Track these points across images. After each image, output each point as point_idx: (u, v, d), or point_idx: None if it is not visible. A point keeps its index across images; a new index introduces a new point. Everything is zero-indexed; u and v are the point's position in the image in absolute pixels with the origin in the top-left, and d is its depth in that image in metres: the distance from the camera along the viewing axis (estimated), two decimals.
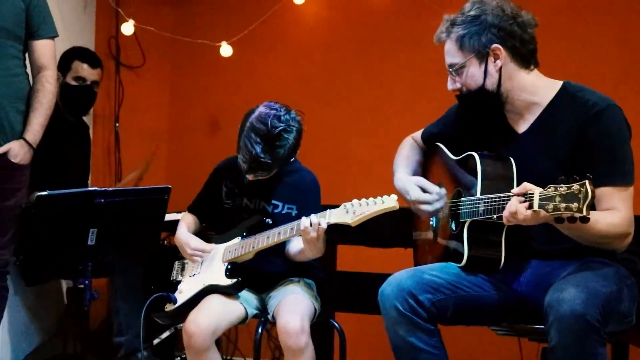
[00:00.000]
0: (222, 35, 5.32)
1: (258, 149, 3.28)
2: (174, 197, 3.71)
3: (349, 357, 3.61)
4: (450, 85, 3.02)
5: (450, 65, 2.98)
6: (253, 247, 3.36)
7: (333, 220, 3.13)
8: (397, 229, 3.64)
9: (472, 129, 3.10)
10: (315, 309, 3.39)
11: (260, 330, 3.41)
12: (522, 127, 2.99)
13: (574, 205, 2.45)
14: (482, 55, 2.92)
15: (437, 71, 3.05)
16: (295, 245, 3.39)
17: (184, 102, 5.68)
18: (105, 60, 5.11)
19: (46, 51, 3.81)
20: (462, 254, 2.92)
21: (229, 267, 3.42)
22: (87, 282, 3.53)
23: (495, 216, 2.76)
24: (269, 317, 3.39)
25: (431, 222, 3.22)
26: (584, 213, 2.44)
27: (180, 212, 3.87)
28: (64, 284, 4.84)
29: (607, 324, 2.62)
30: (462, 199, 2.97)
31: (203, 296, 3.37)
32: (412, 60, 4.95)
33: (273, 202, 3.48)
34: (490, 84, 2.93)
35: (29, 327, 4.57)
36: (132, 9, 5.37)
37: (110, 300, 4.57)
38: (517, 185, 2.69)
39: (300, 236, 3.23)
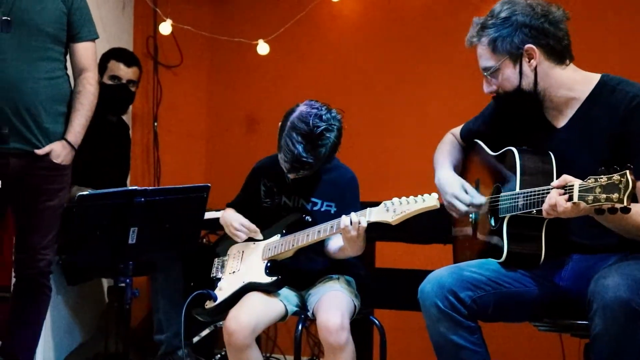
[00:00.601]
0: (259, 34, 5.34)
1: (300, 148, 3.26)
2: (212, 195, 3.72)
3: (389, 353, 3.60)
4: (486, 88, 3.00)
5: (485, 69, 2.97)
6: (293, 245, 3.35)
7: (373, 219, 3.12)
8: (435, 225, 3.62)
9: (510, 125, 3.08)
10: (355, 306, 3.38)
11: (300, 327, 3.40)
12: (561, 122, 2.96)
13: (615, 195, 2.42)
14: (516, 57, 2.89)
15: (475, 67, 3.02)
16: (335, 243, 3.39)
17: (222, 100, 5.71)
18: (144, 60, 5.14)
19: (87, 53, 3.85)
20: (502, 250, 2.89)
21: (269, 264, 3.42)
22: (128, 280, 3.55)
23: (534, 210, 2.74)
24: (309, 314, 3.39)
25: (470, 218, 3.20)
26: (625, 203, 2.41)
27: (219, 210, 3.89)
28: (105, 283, 4.89)
29: None
30: (501, 194, 2.95)
31: (243, 294, 3.37)
32: (450, 56, 4.90)
33: (312, 199, 3.47)
34: (527, 84, 2.91)
35: (71, 326, 4.62)
36: (169, 8, 5.41)
37: (150, 298, 4.61)
38: None
39: (340, 234, 3.23)
